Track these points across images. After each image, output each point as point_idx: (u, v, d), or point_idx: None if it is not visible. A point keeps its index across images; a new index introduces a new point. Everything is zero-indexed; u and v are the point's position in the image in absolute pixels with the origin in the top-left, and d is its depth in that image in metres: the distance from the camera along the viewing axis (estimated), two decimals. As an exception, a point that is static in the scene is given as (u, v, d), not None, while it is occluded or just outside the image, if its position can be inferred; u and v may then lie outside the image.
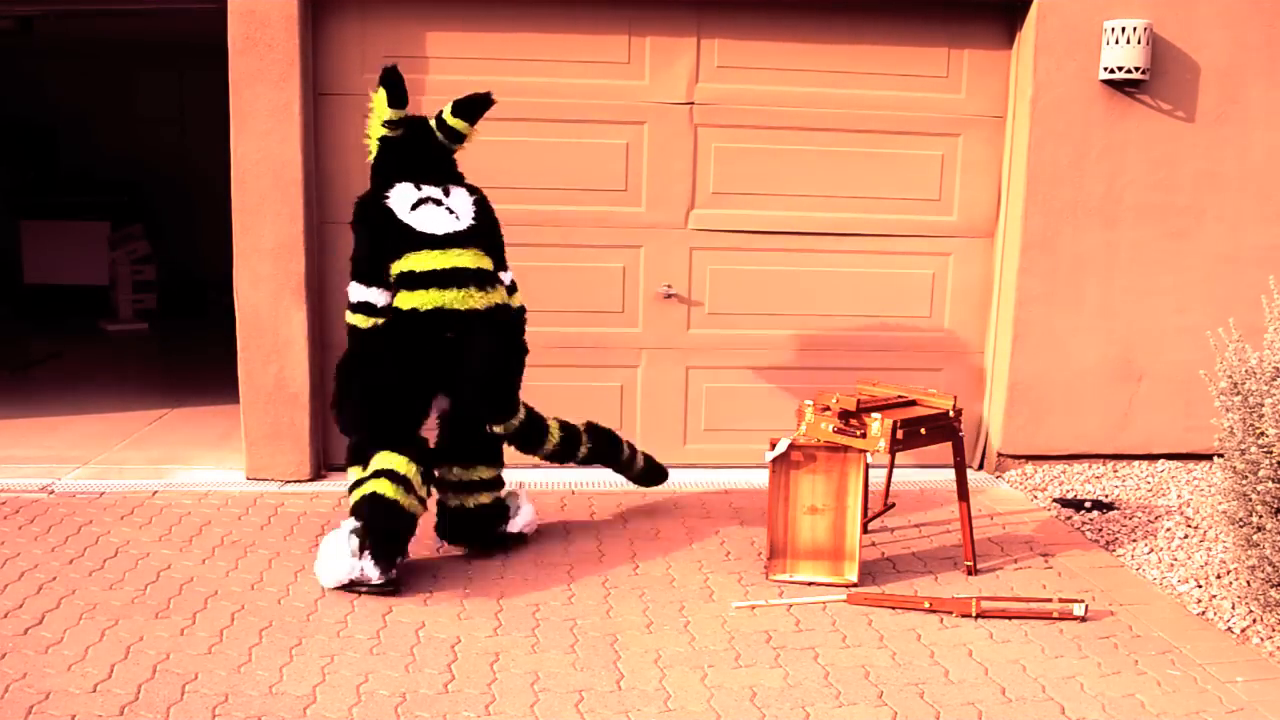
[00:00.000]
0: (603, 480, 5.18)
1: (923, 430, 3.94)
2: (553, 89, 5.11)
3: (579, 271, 5.24)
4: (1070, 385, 5.36)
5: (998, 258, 5.41)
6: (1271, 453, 3.49)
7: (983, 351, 5.51)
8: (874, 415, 3.88)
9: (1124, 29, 4.98)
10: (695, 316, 5.34)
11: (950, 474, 4.95)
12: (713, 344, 5.37)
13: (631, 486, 5.08)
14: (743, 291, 5.34)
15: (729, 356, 5.38)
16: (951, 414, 4.04)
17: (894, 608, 3.82)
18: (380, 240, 3.99)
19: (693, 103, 5.18)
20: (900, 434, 3.85)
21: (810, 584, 4.01)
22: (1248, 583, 3.77)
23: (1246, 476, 3.60)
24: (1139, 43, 4.97)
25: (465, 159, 5.06)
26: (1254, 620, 3.72)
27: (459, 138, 4.22)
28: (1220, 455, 3.77)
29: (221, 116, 5.14)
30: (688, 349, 5.36)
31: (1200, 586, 4.02)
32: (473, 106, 4.17)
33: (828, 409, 3.97)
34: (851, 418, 3.92)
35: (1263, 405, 3.54)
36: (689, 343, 5.36)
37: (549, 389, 5.28)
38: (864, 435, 3.89)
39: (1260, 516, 3.55)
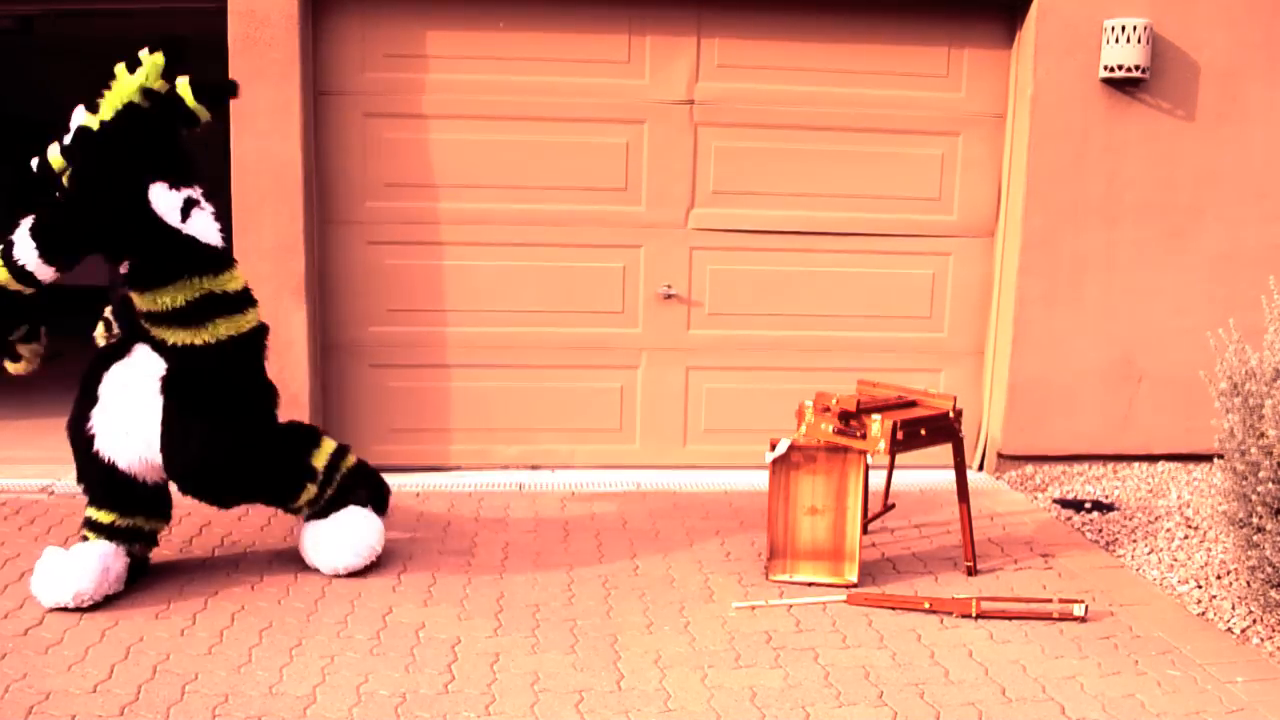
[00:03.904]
0: (603, 481, 5.18)
1: (923, 431, 3.94)
2: (553, 88, 5.11)
3: (579, 271, 5.24)
4: (1070, 386, 5.36)
5: (998, 258, 5.41)
6: (1272, 454, 3.49)
7: (983, 352, 5.51)
8: (874, 416, 3.88)
9: (1124, 28, 4.98)
10: (695, 316, 5.33)
11: (950, 475, 4.95)
12: (713, 344, 5.37)
13: (631, 487, 5.09)
14: (743, 291, 5.33)
15: (729, 356, 5.38)
16: (951, 414, 4.04)
17: (894, 608, 3.82)
18: (122, 231, 3.48)
19: (693, 102, 5.18)
20: (900, 435, 3.84)
21: (810, 584, 4.00)
22: (1248, 583, 3.77)
23: (1247, 477, 3.59)
24: (1139, 42, 4.97)
25: (465, 159, 5.09)
26: (1254, 621, 3.72)
27: (195, 124, 3.71)
28: (1220, 456, 3.76)
29: (221, 116, 5.13)
30: (688, 349, 5.36)
31: (1200, 587, 4.02)
32: (219, 92, 3.71)
33: (828, 410, 3.97)
34: (851, 418, 3.92)
35: (1263, 406, 3.54)
36: (689, 343, 5.35)
37: (550, 390, 5.29)
38: (864, 436, 3.89)
39: (1260, 517, 3.55)
